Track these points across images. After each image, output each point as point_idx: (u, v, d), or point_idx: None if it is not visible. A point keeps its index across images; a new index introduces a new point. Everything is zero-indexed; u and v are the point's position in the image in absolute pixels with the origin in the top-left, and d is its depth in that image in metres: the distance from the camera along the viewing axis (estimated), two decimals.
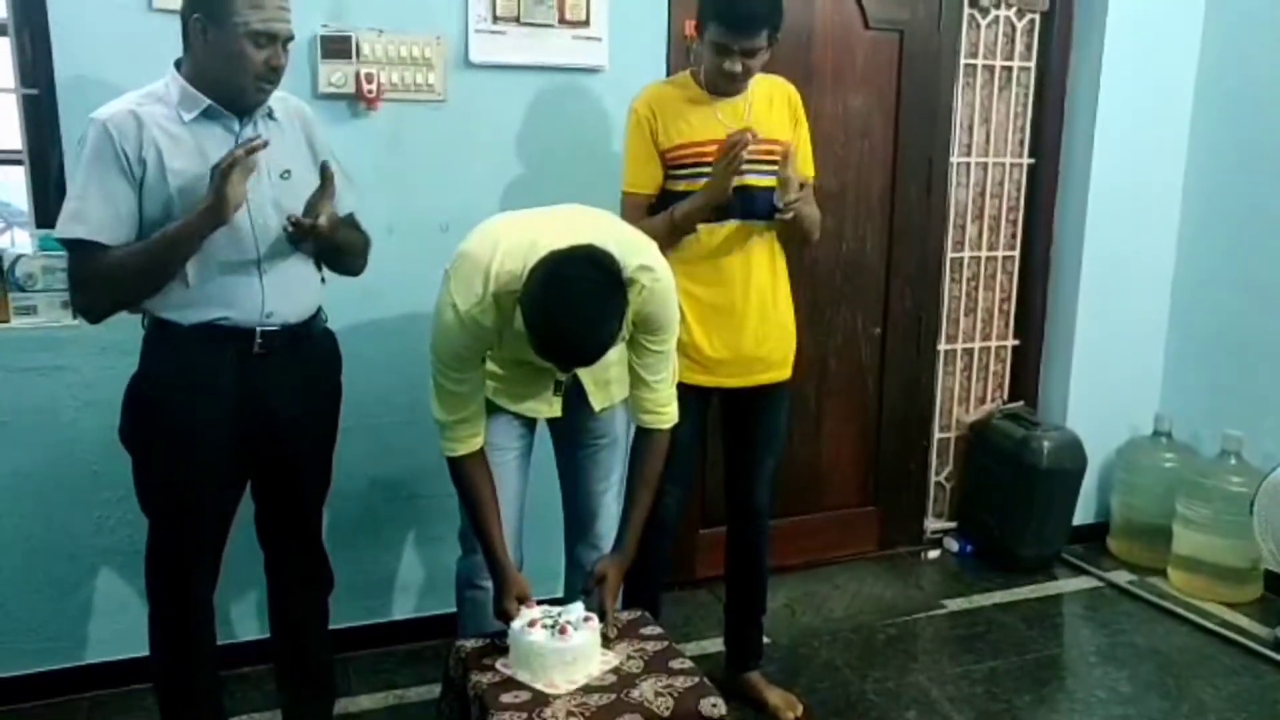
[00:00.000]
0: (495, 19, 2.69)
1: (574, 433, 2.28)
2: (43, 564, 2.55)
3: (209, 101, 1.93)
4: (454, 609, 2.32)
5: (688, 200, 2.32)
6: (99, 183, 1.87)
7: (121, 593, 2.62)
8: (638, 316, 1.96)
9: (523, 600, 1.99)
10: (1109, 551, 3.69)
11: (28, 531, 2.53)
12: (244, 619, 2.71)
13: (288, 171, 2.03)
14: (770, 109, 2.42)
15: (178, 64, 1.96)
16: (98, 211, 1.86)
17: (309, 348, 2.11)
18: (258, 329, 1.99)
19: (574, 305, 1.73)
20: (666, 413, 2.12)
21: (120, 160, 1.87)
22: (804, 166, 2.47)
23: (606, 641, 1.98)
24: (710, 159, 2.31)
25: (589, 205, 2.13)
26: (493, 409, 2.13)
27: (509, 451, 2.20)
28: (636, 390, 2.10)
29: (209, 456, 2.01)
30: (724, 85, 2.33)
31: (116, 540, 2.59)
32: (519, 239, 1.89)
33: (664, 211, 2.35)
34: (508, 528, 2.14)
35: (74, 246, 1.90)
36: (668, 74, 2.91)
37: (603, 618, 2.02)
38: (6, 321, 2.45)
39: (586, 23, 2.78)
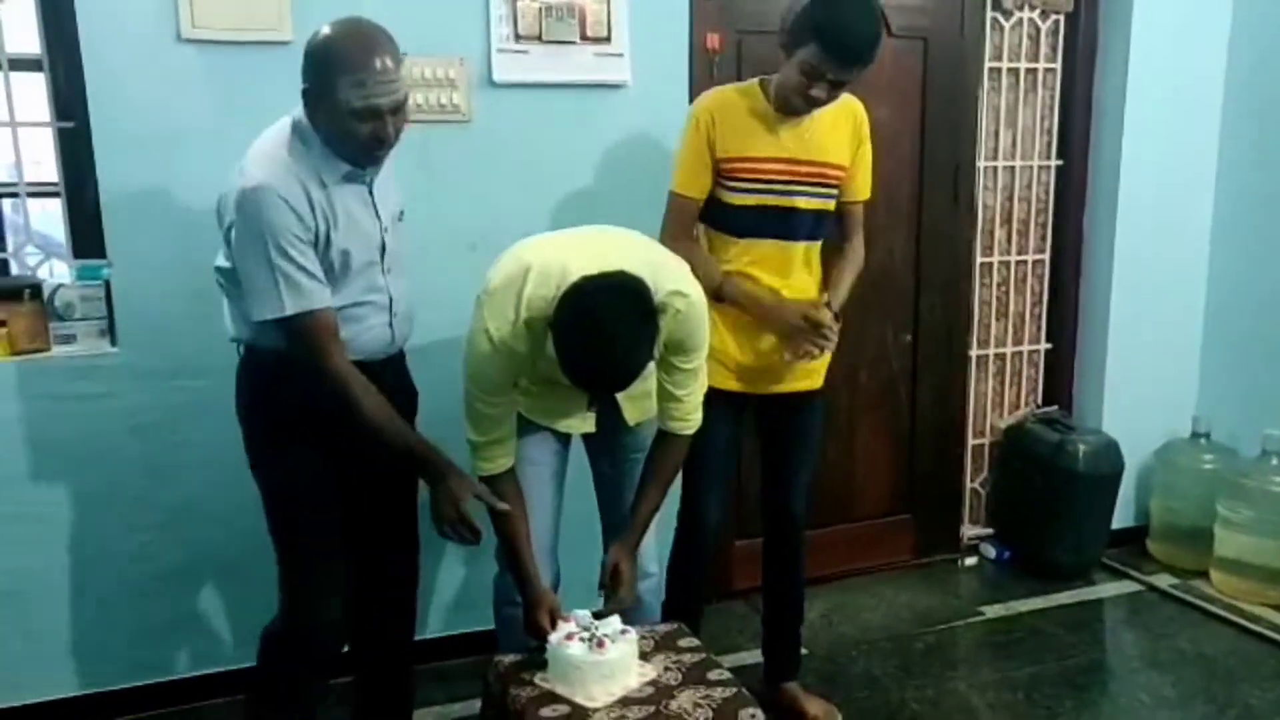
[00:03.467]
0: (518, 38, 2.72)
1: (609, 447, 2.29)
2: (89, 588, 2.59)
3: (348, 167, 1.94)
4: (492, 625, 2.33)
5: (743, 293, 2.34)
6: (299, 253, 1.84)
7: (168, 616, 2.66)
8: (669, 340, 1.97)
9: (554, 615, 1.99)
10: (1149, 555, 3.65)
11: (74, 557, 2.57)
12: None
13: (401, 212, 2.10)
14: (834, 131, 2.38)
15: (311, 119, 1.91)
16: (305, 282, 1.85)
17: (399, 357, 2.20)
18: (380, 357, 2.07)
19: (604, 336, 1.75)
20: (692, 420, 2.14)
21: (301, 224, 1.85)
22: (861, 188, 2.48)
23: (644, 654, 1.98)
24: (766, 175, 2.31)
25: (615, 220, 2.15)
26: (527, 425, 2.15)
27: (544, 467, 2.22)
28: (664, 401, 2.12)
29: (341, 466, 2.06)
30: (800, 106, 2.27)
31: (162, 565, 2.62)
32: (549, 264, 1.90)
33: (716, 269, 2.34)
34: (543, 543, 2.17)
35: (296, 319, 1.87)
36: (690, 89, 2.93)
37: (613, 602, 2.06)
38: (47, 350, 2.50)
39: (608, 39, 2.80)
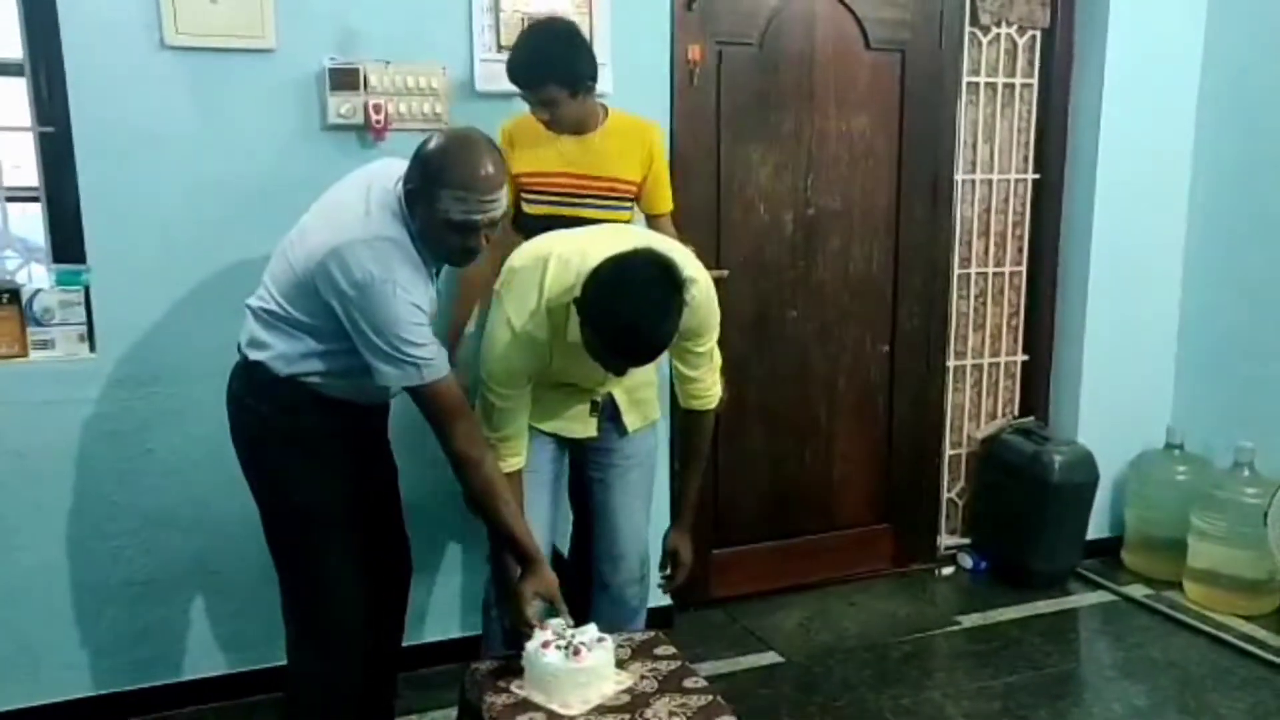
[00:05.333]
0: (500, 48, 2.72)
1: (604, 453, 2.34)
2: (63, 594, 2.57)
3: (435, 265, 2.01)
4: (468, 633, 2.34)
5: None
6: (420, 336, 1.89)
7: (140, 622, 2.64)
8: (685, 326, 2.03)
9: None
10: (1124, 565, 3.68)
11: (47, 563, 2.55)
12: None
13: None
14: (622, 149, 2.53)
15: (409, 212, 1.93)
16: (429, 355, 1.91)
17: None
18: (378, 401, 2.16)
19: (638, 299, 1.82)
20: (712, 394, 2.27)
21: (424, 316, 1.92)
22: (661, 202, 2.62)
23: (621, 662, 1.99)
24: (554, 188, 2.49)
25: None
26: (529, 430, 2.18)
27: (542, 474, 2.27)
28: (681, 383, 2.24)
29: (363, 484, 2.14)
30: (552, 128, 2.45)
31: (135, 570, 2.61)
32: (568, 253, 1.99)
33: None
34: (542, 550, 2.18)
35: (423, 388, 1.93)
36: (671, 98, 2.97)
37: (671, 585, 2.39)
38: (25, 355, 2.49)
39: None
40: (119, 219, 2.49)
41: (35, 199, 2.56)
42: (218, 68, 2.50)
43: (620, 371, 2.00)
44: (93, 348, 2.54)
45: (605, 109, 2.54)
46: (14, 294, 2.48)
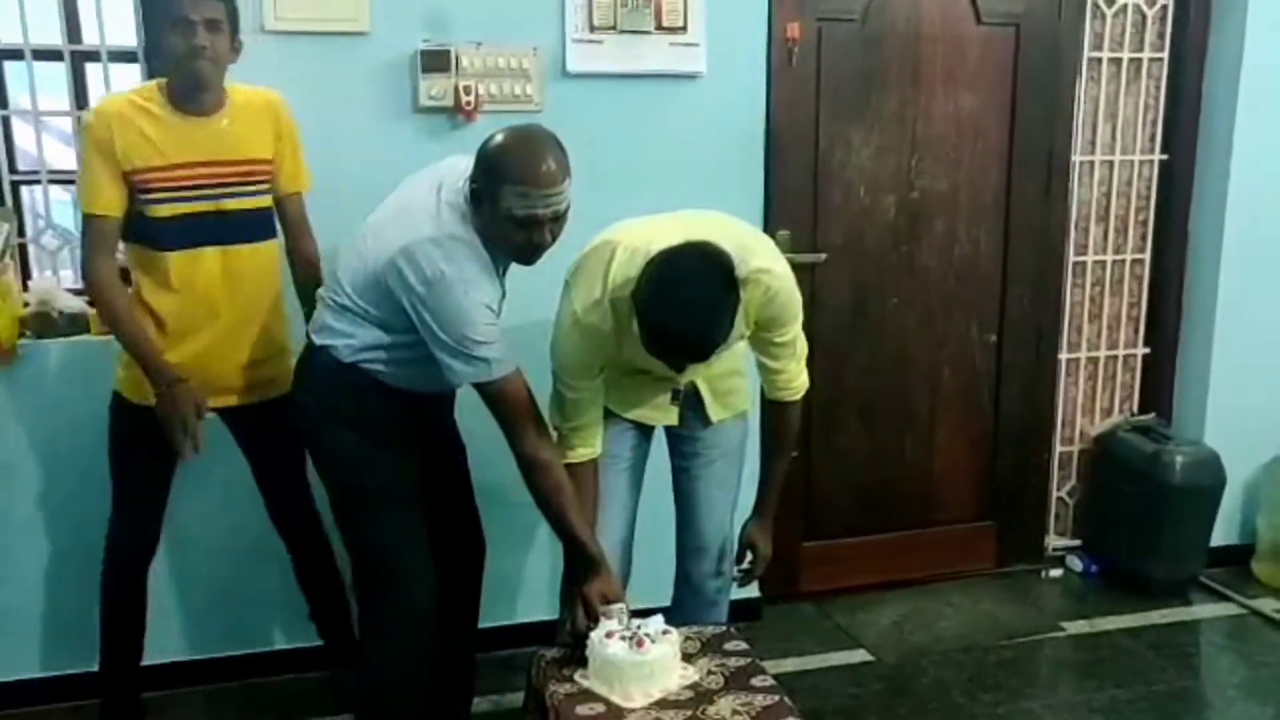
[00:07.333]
0: (592, 29, 2.70)
1: (690, 443, 2.30)
2: (157, 560, 2.56)
3: (503, 264, 2.00)
4: (536, 618, 2.33)
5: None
6: (491, 336, 1.91)
7: (232, 590, 2.73)
8: (760, 318, 1.99)
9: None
10: (1253, 576, 3.43)
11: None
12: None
13: None
14: (253, 125, 2.27)
15: (475, 208, 1.93)
16: (498, 355, 1.93)
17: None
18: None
19: (685, 299, 1.78)
20: (795, 385, 2.19)
21: (495, 317, 1.94)
22: (296, 179, 2.36)
23: (688, 656, 1.96)
24: (189, 181, 2.17)
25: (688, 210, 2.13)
26: (609, 416, 2.16)
27: (621, 460, 2.23)
28: (764, 374, 2.19)
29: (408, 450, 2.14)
30: (190, 71, 2.13)
31: (229, 540, 2.68)
32: (634, 245, 1.95)
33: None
34: (616, 538, 2.19)
35: (491, 384, 1.95)
36: (768, 78, 2.89)
37: (748, 578, 2.38)
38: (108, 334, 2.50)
39: (684, 28, 2.75)
40: None
41: None
42: (314, 51, 2.54)
43: (679, 369, 1.96)
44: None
45: (225, 89, 2.25)
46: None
